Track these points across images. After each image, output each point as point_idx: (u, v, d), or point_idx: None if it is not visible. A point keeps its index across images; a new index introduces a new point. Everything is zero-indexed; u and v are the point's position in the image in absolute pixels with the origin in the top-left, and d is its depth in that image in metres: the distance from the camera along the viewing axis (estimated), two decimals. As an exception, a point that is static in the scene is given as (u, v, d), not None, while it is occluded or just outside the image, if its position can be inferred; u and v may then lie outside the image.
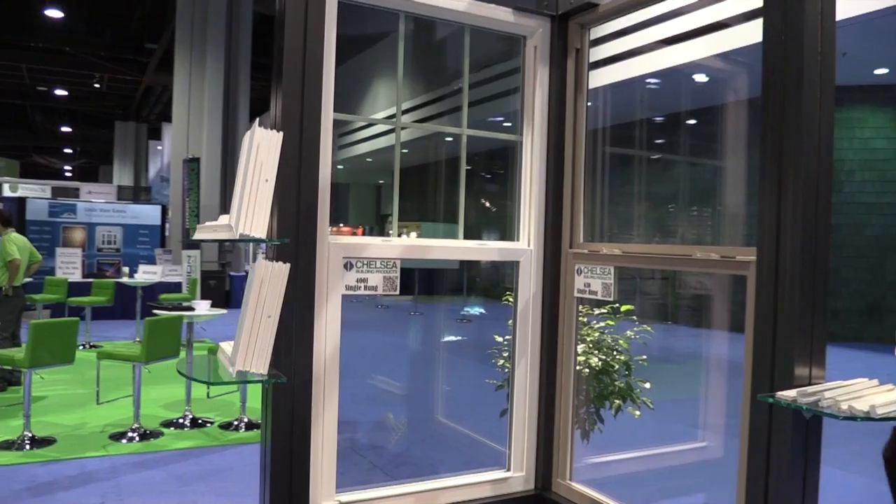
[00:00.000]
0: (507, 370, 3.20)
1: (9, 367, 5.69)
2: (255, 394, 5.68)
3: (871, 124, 11.54)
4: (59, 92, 22.00)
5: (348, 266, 2.50)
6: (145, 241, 14.08)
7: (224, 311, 6.50)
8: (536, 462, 2.97)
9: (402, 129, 2.91)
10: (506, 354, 3.56)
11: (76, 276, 11.14)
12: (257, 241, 2.05)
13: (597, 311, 3.75)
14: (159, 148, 23.66)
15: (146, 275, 10.00)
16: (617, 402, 3.51)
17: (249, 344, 2.01)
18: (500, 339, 3.66)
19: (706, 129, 10.63)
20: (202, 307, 5.88)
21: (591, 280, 2.83)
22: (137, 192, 24.83)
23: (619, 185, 11.00)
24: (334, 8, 2.45)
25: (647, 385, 3.66)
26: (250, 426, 5.38)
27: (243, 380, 2.03)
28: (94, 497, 3.95)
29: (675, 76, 8.77)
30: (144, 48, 17.63)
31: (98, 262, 13.48)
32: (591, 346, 3.55)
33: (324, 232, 2.43)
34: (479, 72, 11.60)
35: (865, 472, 4.13)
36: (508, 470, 2.96)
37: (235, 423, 5.45)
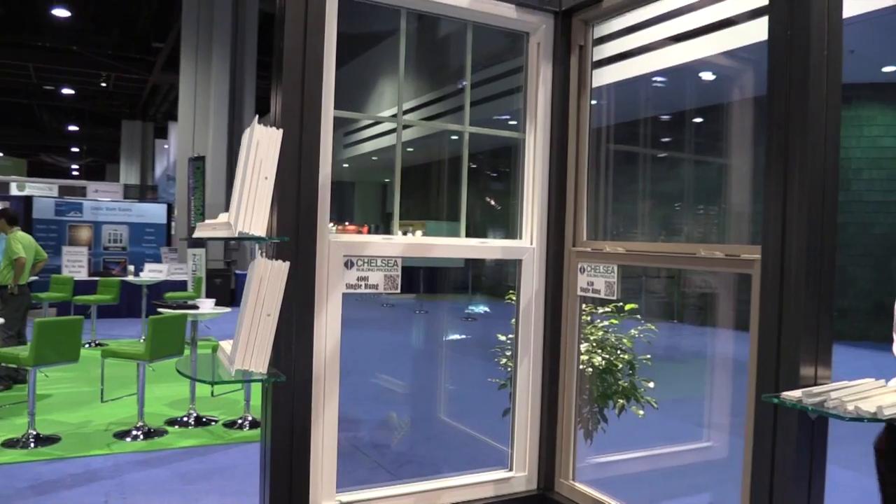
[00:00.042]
0: (509, 369, 3.18)
1: (14, 366, 5.71)
2: (259, 392, 5.66)
3: (879, 122, 11.46)
4: (66, 91, 22.09)
5: (349, 264, 2.48)
6: (151, 239, 14.12)
7: (228, 310, 6.50)
8: (539, 462, 2.95)
9: (406, 127, 2.89)
10: (509, 353, 3.54)
11: (82, 275, 11.17)
12: (257, 240, 2.03)
13: (601, 310, 3.72)
14: (165, 147, 23.74)
15: (152, 273, 10.02)
16: (620, 401, 3.49)
17: (249, 343, 1.99)
18: (502, 337, 3.64)
19: (712, 127, 10.58)
20: (206, 305, 5.88)
21: (594, 278, 2.81)
22: (144, 191, 24.92)
23: (624, 184, 10.96)
24: (335, 5, 2.44)
25: (651, 384, 3.64)
26: (254, 424, 5.38)
27: (242, 379, 2.02)
28: (98, 496, 3.95)
29: (682, 74, 8.72)
30: (151, 47, 17.69)
31: (104, 260, 13.52)
32: (594, 345, 3.53)
33: (324, 230, 2.41)
34: (485, 70, 11.57)
35: (874, 472, 4.10)
36: (511, 470, 2.94)
37: (239, 421, 5.44)
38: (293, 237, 2.28)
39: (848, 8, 2.05)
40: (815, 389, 1.86)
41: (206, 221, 2.24)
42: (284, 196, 2.27)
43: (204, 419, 5.51)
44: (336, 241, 2.46)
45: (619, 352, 3.58)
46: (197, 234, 2.23)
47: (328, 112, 2.41)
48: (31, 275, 6.83)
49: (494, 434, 3.61)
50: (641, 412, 3.60)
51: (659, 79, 8.78)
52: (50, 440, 4.89)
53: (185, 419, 5.48)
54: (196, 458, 4.69)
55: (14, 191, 16.98)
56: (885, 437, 2.42)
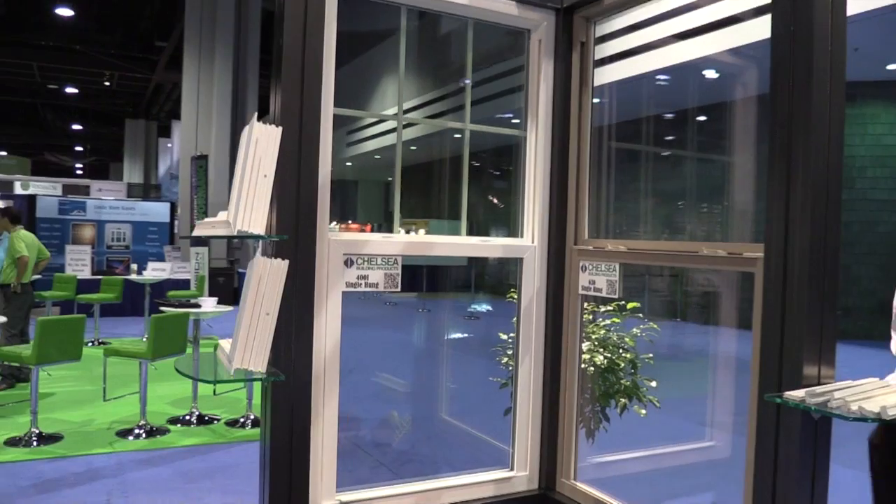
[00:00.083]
0: (511, 368, 3.17)
1: (17, 364, 5.72)
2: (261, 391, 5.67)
3: (883, 120, 11.40)
4: (70, 90, 22.12)
5: (349, 263, 2.47)
6: (154, 238, 14.13)
7: (231, 308, 6.49)
8: (540, 461, 2.94)
9: (408, 125, 2.88)
10: (510, 352, 3.52)
11: (86, 273, 11.19)
12: (256, 238, 2.02)
13: (603, 309, 3.71)
14: (169, 145, 23.76)
15: (155, 272, 10.03)
16: (623, 400, 3.48)
17: (247, 342, 1.98)
18: (504, 336, 3.63)
19: (716, 125, 10.54)
20: (209, 304, 5.88)
21: (595, 277, 2.79)
22: (147, 190, 24.94)
23: (628, 182, 10.93)
24: (334, 2, 2.42)
25: (654, 383, 3.62)
26: (256, 423, 5.38)
27: (240, 378, 2.01)
28: (100, 494, 3.95)
29: (685, 72, 8.69)
30: (154, 46, 17.71)
31: (108, 259, 13.54)
32: (596, 343, 3.51)
33: (324, 228, 2.40)
34: (488, 68, 11.56)
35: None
36: (512, 469, 2.93)
37: (242, 419, 5.44)
38: (292, 235, 2.27)
39: (852, 5, 2.03)
40: (819, 389, 1.84)
41: (206, 220, 2.23)
42: (284, 194, 2.26)
43: (206, 418, 5.51)
44: (336, 239, 2.45)
45: (621, 351, 3.57)
46: (196, 233, 2.22)
47: (328, 109, 2.40)
48: (33, 273, 6.84)
49: (496, 433, 3.60)
50: (644, 411, 3.58)
51: (662, 77, 8.75)
52: (52, 438, 4.90)
53: (188, 418, 5.48)
54: (198, 456, 4.69)
55: (18, 189, 17.01)
56: (880, 433, 2.40)
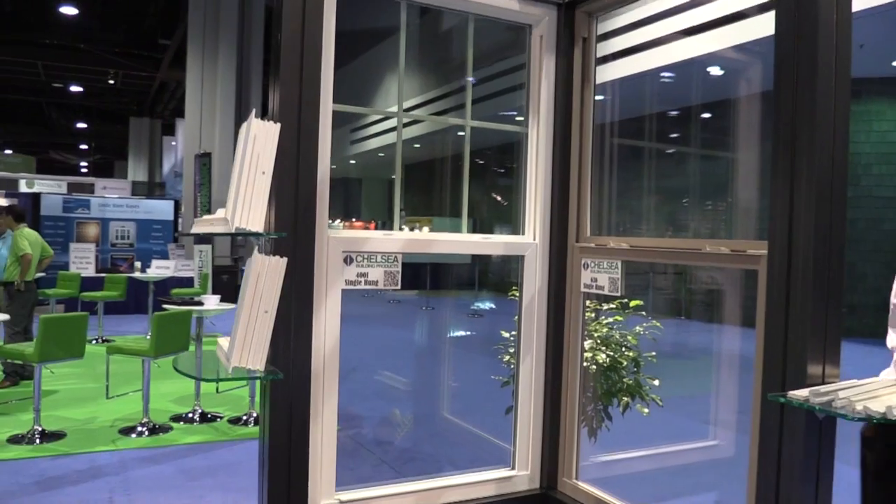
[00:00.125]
0: (512, 366, 3.15)
1: (20, 362, 5.72)
2: (263, 389, 5.66)
3: (889, 117, 11.33)
4: (75, 88, 22.16)
5: (348, 260, 2.45)
6: (158, 236, 14.15)
7: (233, 306, 6.47)
8: (542, 460, 2.92)
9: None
10: (512, 350, 3.51)
11: (90, 271, 11.21)
12: (254, 235, 2.01)
13: (605, 307, 3.69)
14: (173, 144, 23.79)
15: (159, 269, 10.05)
16: (625, 399, 3.45)
17: (246, 340, 1.97)
18: (506, 334, 3.61)
19: (720, 122, 10.49)
20: (211, 302, 5.88)
21: (597, 274, 2.77)
22: (152, 188, 24.98)
23: (632, 179, 10.89)
24: (333, -2, 2.41)
25: (657, 382, 3.60)
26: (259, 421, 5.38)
27: (238, 376, 2.00)
28: (103, 492, 3.95)
29: (690, 69, 8.65)
30: (158, 44, 17.72)
31: (112, 257, 13.57)
32: (598, 342, 3.49)
33: (323, 225, 2.39)
34: (492, 66, 11.54)
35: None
36: (513, 468, 2.91)
37: (245, 417, 5.44)
38: (291, 233, 2.26)
39: (857, 1, 2.01)
40: (823, 389, 1.82)
41: (204, 217, 2.22)
42: (282, 191, 2.24)
43: (209, 415, 5.51)
44: (335, 236, 2.43)
45: (623, 349, 3.55)
46: (194, 230, 2.21)
47: (327, 106, 2.38)
48: (37, 271, 6.85)
49: (497, 432, 3.58)
50: (646, 410, 3.56)
51: (666, 74, 8.70)
52: (55, 436, 4.90)
53: (190, 415, 5.48)
54: (200, 454, 4.69)
55: (23, 188, 17.04)
56: (873, 425, 2.35)
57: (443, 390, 7.03)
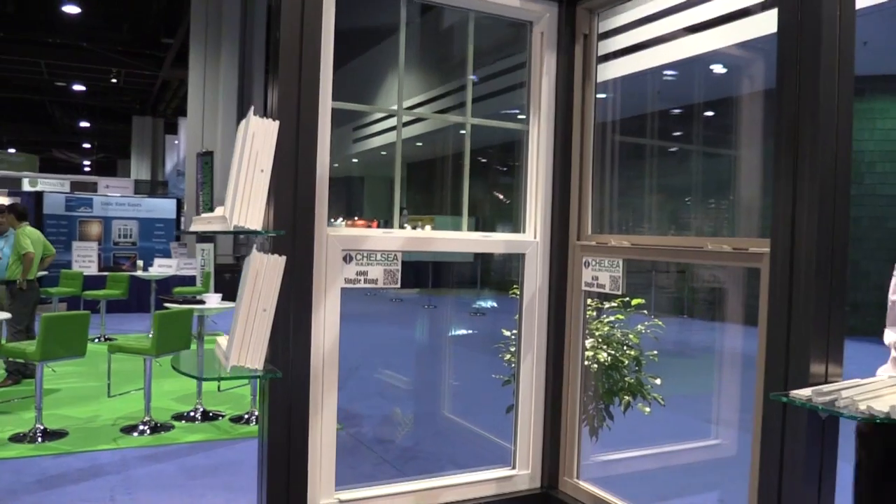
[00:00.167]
0: (513, 365, 3.14)
1: (22, 361, 5.73)
2: (265, 387, 5.66)
3: (893, 115, 11.28)
4: (78, 87, 22.20)
5: (347, 259, 2.44)
6: (161, 234, 14.17)
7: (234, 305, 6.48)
8: (543, 460, 2.91)
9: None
10: (513, 349, 3.49)
11: (92, 270, 11.22)
12: (252, 233, 2.00)
13: (607, 305, 3.67)
14: (176, 142, 23.83)
15: (161, 268, 10.05)
16: (627, 398, 3.44)
17: (244, 338, 1.96)
18: (507, 333, 3.59)
19: (723, 120, 10.45)
20: (213, 300, 5.87)
21: (598, 273, 2.75)
22: (154, 186, 25.00)
23: (634, 178, 10.86)
24: (333, -6, 2.39)
25: (658, 381, 3.58)
26: (260, 420, 5.37)
27: (237, 375, 1.99)
28: (104, 490, 3.95)
29: (693, 67, 8.62)
30: (161, 43, 17.73)
31: (114, 255, 13.58)
32: (599, 340, 3.48)
33: (322, 223, 2.37)
34: (494, 64, 11.52)
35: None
36: (514, 468, 2.90)
37: (246, 416, 5.44)
38: (290, 231, 2.24)
39: (861, -2, 1.99)
40: (826, 388, 1.80)
41: (203, 215, 2.20)
42: (281, 189, 2.23)
43: (211, 414, 5.51)
44: (334, 234, 2.42)
45: (625, 348, 3.53)
46: (193, 228, 2.20)
47: (326, 103, 2.37)
48: (39, 270, 6.85)
49: (499, 431, 3.57)
50: (648, 409, 3.55)
51: (669, 72, 8.67)
52: (57, 435, 4.91)
53: (192, 414, 5.48)
54: (202, 453, 4.69)
55: (26, 186, 17.07)
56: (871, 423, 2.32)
57: (444, 389, 7.02)
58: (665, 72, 8.51)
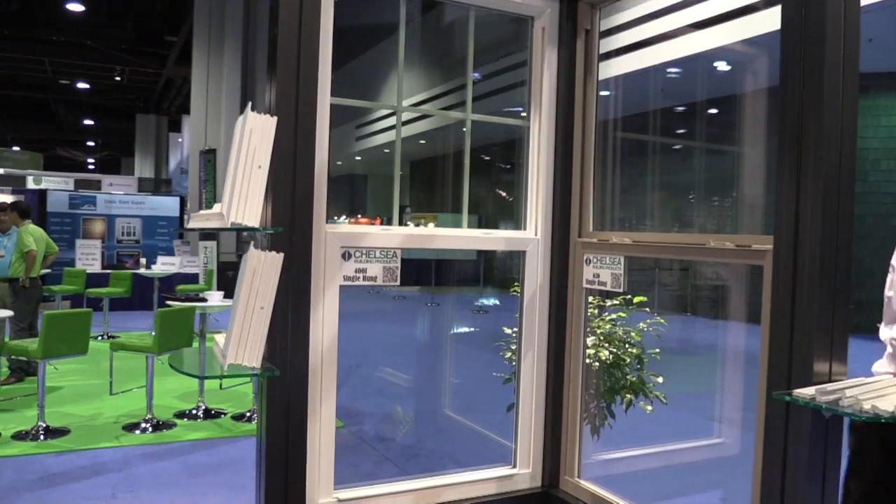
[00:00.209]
0: (514, 363, 3.12)
1: (25, 358, 5.74)
2: (266, 385, 5.66)
3: (898, 112, 11.22)
4: (82, 85, 22.24)
5: (346, 256, 2.42)
6: (164, 232, 14.18)
7: (237, 303, 6.47)
8: (543, 459, 2.89)
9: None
10: (514, 347, 3.48)
11: (96, 268, 11.24)
12: (250, 230, 1.98)
13: (609, 303, 3.65)
14: (179, 140, 23.86)
15: (164, 266, 10.06)
16: (628, 396, 3.42)
17: (241, 336, 1.95)
18: (508, 330, 3.58)
19: (727, 117, 10.41)
20: (215, 298, 5.87)
21: (600, 270, 2.73)
22: (158, 184, 25.04)
23: (637, 175, 10.82)
24: (332, -11, 2.37)
25: (660, 379, 3.56)
26: (262, 418, 5.37)
27: (235, 373, 1.98)
28: (106, 488, 3.95)
29: (696, 64, 8.58)
30: (164, 41, 17.75)
31: (118, 253, 13.61)
32: (601, 338, 3.46)
33: (320, 220, 2.36)
34: (496, 61, 11.49)
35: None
36: (514, 466, 2.88)
37: (248, 414, 5.44)
38: (288, 228, 2.23)
39: (866, -6, 1.97)
40: (830, 387, 1.78)
41: (201, 212, 2.19)
42: (279, 185, 2.21)
43: (212, 412, 5.51)
44: (333, 232, 2.41)
45: (626, 346, 3.51)
46: (191, 225, 2.19)
47: (324, 99, 2.35)
48: (42, 268, 6.86)
49: (499, 429, 3.56)
50: (650, 408, 3.52)
51: (673, 69, 8.63)
52: (59, 432, 4.91)
53: (194, 412, 5.48)
54: (204, 450, 4.69)
55: (30, 184, 17.12)
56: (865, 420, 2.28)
57: (445, 387, 7.01)
58: (668, 69, 8.47)
